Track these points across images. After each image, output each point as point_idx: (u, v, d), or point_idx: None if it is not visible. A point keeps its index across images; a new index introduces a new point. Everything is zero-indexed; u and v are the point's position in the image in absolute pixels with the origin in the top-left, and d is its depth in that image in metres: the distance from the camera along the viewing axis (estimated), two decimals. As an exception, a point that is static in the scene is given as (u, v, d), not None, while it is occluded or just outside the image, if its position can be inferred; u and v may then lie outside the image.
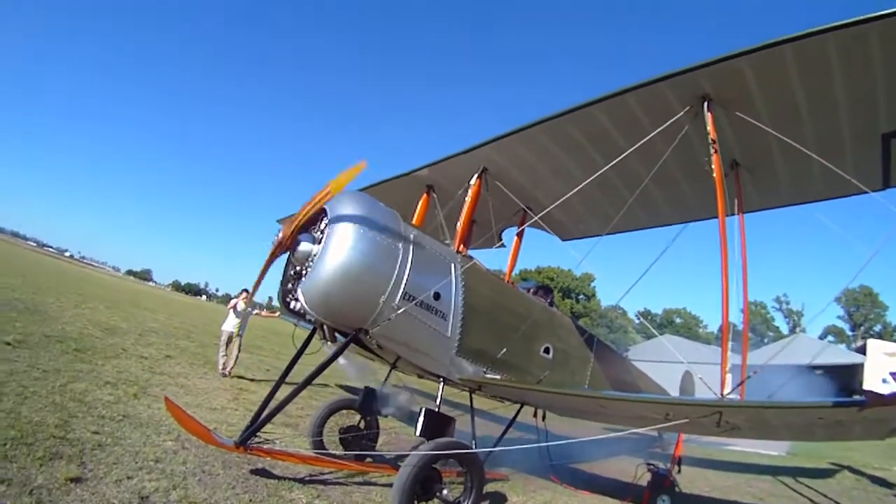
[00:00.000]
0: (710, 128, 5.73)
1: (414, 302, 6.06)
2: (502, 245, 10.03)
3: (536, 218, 7.19)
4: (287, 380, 6.94)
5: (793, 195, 7.26)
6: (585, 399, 7.19)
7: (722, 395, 5.78)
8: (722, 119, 5.91)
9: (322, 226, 5.95)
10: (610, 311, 75.80)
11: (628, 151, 6.19)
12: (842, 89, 5.49)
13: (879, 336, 77.26)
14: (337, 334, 6.33)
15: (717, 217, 5.95)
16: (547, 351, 7.96)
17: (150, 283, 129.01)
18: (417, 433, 6.26)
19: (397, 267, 5.97)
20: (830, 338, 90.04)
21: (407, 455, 5.86)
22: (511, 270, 8.72)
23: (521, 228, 9.11)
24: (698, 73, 5.60)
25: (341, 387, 14.26)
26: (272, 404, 6.47)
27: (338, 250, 5.59)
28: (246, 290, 14.30)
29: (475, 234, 8.67)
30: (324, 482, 6.51)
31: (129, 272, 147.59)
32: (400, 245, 6.08)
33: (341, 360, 7.02)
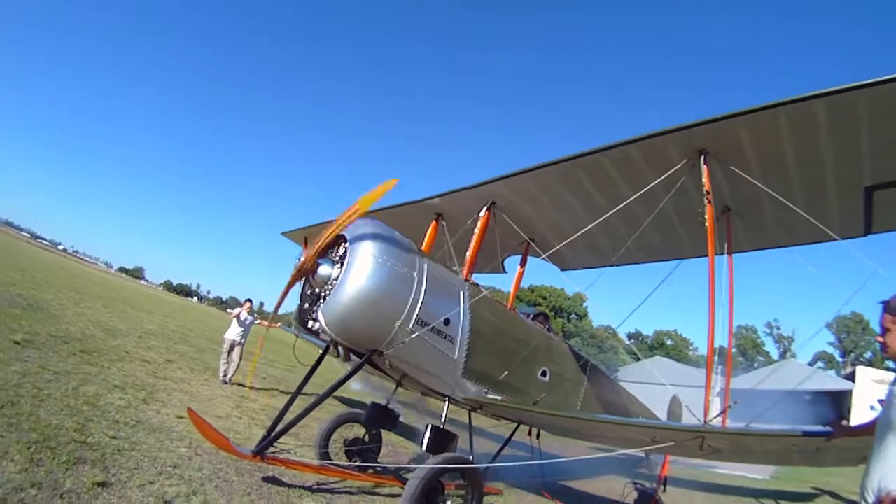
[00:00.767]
0: (705, 179, 6.23)
1: (427, 328, 6.52)
2: (505, 272, 10.59)
3: (544, 256, 7.74)
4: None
5: (779, 239, 7.75)
6: (578, 420, 7.62)
7: (705, 420, 6.22)
8: (716, 170, 6.38)
9: (341, 251, 6.38)
10: (601, 331, 76.69)
11: (631, 199, 6.69)
12: (829, 147, 5.99)
13: (870, 363, 77.68)
14: (352, 354, 6.72)
15: (707, 256, 6.42)
16: (544, 374, 8.46)
17: (143, 282, 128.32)
18: (424, 448, 6.72)
19: (412, 294, 6.44)
20: (820, 363, 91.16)
21: (412, 468, 6.36)
22: (513, 297, 9.16)
23: (524, 258, 9.63)
24: (697, 129, 6.09)
25: (338, 399, 14.61)
26: (287, 416, 6.89)
27: (358, 276, 6.03)
28: (249, 301, 14.76)
29: (480, 260, 9.05)
30: (331, 491, 6.91)
31: (122, 269, 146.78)
32: (415, 273, 6.56)
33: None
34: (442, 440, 6.74)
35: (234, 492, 5.94)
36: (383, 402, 8.39)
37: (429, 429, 6.77)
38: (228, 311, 13.91)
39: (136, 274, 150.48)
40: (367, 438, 8.39)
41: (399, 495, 6.87)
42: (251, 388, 13.23)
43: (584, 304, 75.45)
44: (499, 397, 7.56)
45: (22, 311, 12.59)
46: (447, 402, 7.28)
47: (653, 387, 14.46)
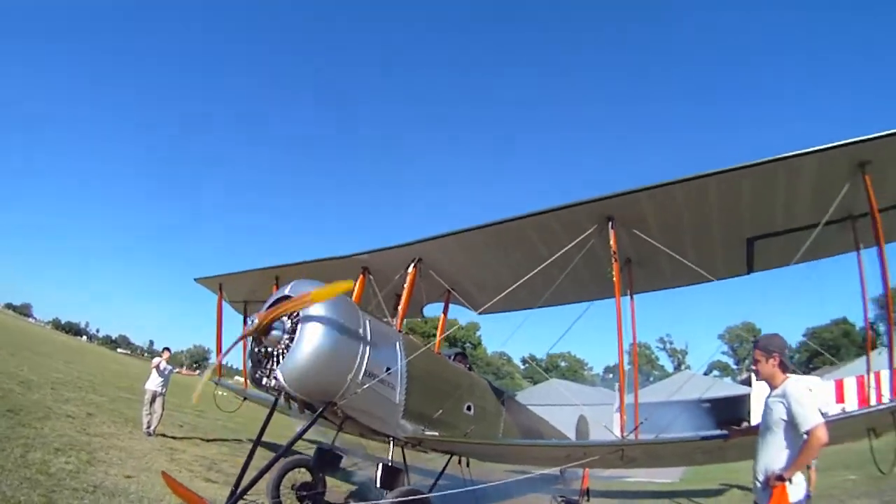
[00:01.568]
0: (612, 242, 7.37)
1: (375, 379, 7.28)
2: (423, 317, 11.54)
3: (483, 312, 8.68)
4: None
5: (672, 281, 9.16)
6: (510, 447, 8.99)
7: (622, 435, 7.31)
8: (621, 233, 7.55)
9: (290, 315, 6.92)
10: (496, 358, 79.19)
11: (549, 261, 7.76)
12: (716, 211, 7.41)
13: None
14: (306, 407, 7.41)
15: (613, 297, 7.53)
16: (469, 408, 9.29)
17: (31, 320, 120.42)
18: (378, 484, 7.38)
19: (360, 349, 7.19)
20: (716, 372, 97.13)
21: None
22: (439, 342, 10.06)
23: (445, 306, 10.63)
24: (607, 201, 7.30)
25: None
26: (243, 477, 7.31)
27: (313, 337, 6.69)
28: (167, 349, 15.02)
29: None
30: None
31: (9, 305, 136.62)
32: (360, 330, 7.29)
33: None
34: (393, 476, 7.48)
35: None
36: (326, 447, 9.08)
37: (380, 467, 7.49)
38: (153, 358, 13.77)
39: (24, 311, 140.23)
40: (314, 482, 9.01)
41: None
42: (174, 437, 13.52)
43: (478, 333, 77.35)
44: (435, 433, 8.36)
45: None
46: (392, 442, 8.03)
47: (552, 408, 15.56)
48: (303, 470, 9.06)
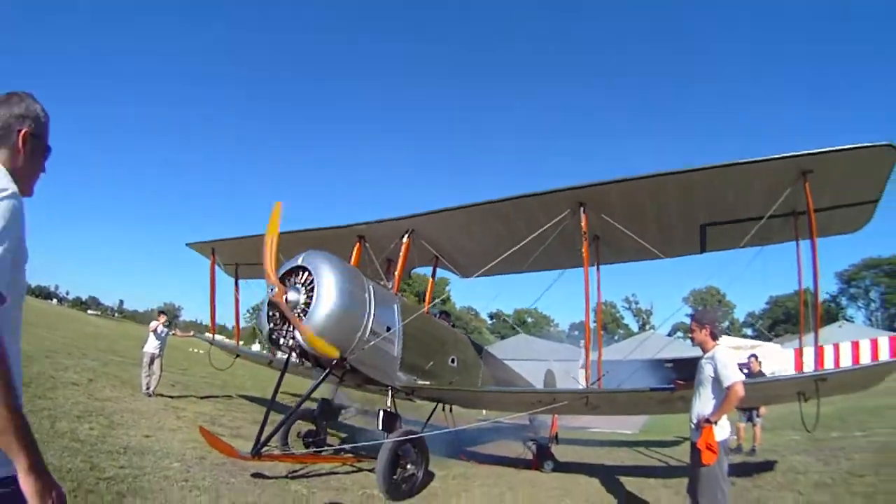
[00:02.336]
0: (583, 224, 8.78)
1: (379, 337, 8.60)
2: (410, 278, 12.86)
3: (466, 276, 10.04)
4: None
5: (635, 257, 10.64)
6: (491, 393, 10.52)
7: (588, 385, 8.96)
8: (592, 216, 8.90)
9: (303, 278, 8.23)
10: (464, 313, 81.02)
11: (530, 238, 9.13)
12: (673, 202, 8.94)
13: (727, 332, 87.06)
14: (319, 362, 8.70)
15: (582, 267, 8.97)
16: (453, 361, 10.69)
17: None
18: (380, 427, 8.66)
19: (367, 311, 8.47)
20: (679, 334, 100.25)
21: (376, 444, 8.44)
22: (428, 302, 11.36)
23: (434, 270, 11.95)
24: (580, 190, 8.77)
25: (243, 396, 16.12)
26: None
27: (328, 301, 7.93)
28: (163, 313, 15.94)
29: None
30: (306, 475, 8.52)
31: None
32: (366, 295, 8.55)
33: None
34: (392, 420, 8.81)
35: (242, 490, 7.21)
36: (329, 398, 10.36)
37: (381, 412, 8.81)
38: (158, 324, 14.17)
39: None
40: (317, 430, 10.30)
41: (357, 471, 9.12)
42: (171, 397, 14.34)
43: (447, 288, 78.39)
44: (426, 382, 9.76)
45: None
46: (389, 391, 9.38)
47: (521, 362, 17.04)
48: (307, 421, 10.30)
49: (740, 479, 9.50)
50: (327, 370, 8.68)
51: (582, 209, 8.86)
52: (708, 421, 5.89)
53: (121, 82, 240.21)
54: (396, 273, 10.40)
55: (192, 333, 21.69)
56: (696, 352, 6.29)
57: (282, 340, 8.29)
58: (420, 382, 9.70)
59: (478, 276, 11.55)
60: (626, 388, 9.46)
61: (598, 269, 10.47)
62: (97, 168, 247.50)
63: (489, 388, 11.10)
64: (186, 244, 15.43)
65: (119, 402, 11.84)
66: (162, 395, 14.25)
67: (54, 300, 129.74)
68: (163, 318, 15.30)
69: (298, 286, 8.20)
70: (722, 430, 5.95)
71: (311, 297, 8.02)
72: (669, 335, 72.46)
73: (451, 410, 11.42)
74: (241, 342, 18.23)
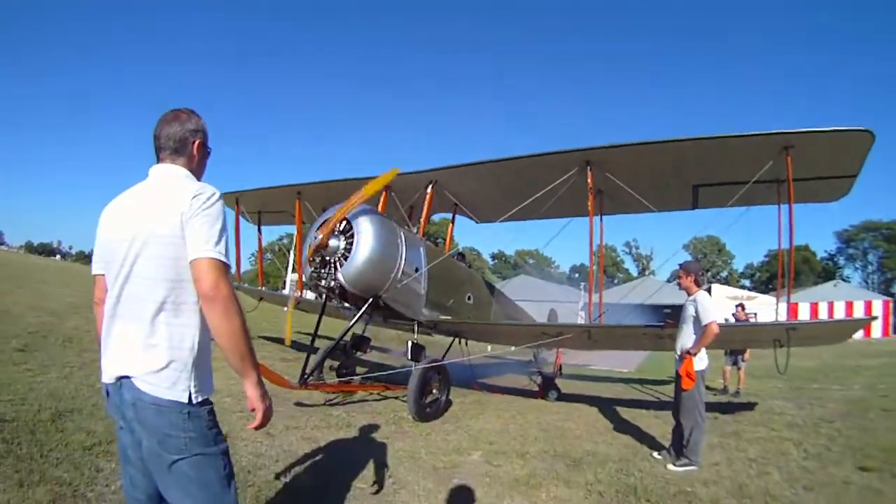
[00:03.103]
0: (589, 181, 10.08)
1: (409, 277, 9.81)
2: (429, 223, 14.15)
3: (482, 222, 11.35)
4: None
5: (634, 209, 11.81)
6: (500, 327, 11.98)
7: (590, 321, 10.55)
8: (597, 173, 10.19)
9: (342, 227, 9.28)
10: (466, 252, 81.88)
11: (542, 193, 10.38)
12: (670, 166, 10.30)
13: (726, 282, 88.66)
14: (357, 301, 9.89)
15: (586, 216, 10.51)
16: (469, 298, 11.93)
17: (3, 247, 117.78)
18: (409, 357, 9.94)
19: (399, 254, 9.61)
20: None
21: (406, 370, 9.68)
22: (449, 245, 12.61)
23: (453, 217, 13.25)
24: (589, 151, 10.06)
25: (263, 338, 17.09)
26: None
27: (366, 246, 9.04)
28: None
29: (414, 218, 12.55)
30: (342, 403, 9.42)
31: None
32: (398, 240, 9.69)
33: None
34: (419, 350, 10.07)
35: (291, 416, 7.97)
36: (360, 332, 11.50)
37: (409, 343, 10.10)
38: None
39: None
40: (348, 363, 11.53)
41: (385, 398, 10.25)
42: None
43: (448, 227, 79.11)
44: (447, 318, 10.99)
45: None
46: (416, 325, 10.58)
47: (524, 302, 18.42)
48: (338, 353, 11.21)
49: (722, 415, 10.73)
50: (364, 307, 9.77)
51: (589, 167, 10.15)
52: (688, 352, 7.39)
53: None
54: (422, 220, 11.68)
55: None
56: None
57: (323, 282, 9.36)
58: (442, 317, 10.89)
59: (491, 222, 12.94)
60: (624, 324, 11.03)
61: (601, 219, 11.79)
62: (97, 112, 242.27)
63: (503, 322, 12.44)
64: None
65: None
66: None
67: (57, 256, 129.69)
68: None
69: (338, 233, 9.24)
70: (700, 361, 7.44)
71: (350, 244, 9.10)
72: (669, 281, 73.85)
73: (466, 344, 12.55)
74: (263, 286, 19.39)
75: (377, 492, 5.60)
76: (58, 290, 19.86)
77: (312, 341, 10.54)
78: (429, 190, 11.64)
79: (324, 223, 9.28)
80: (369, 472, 6.13)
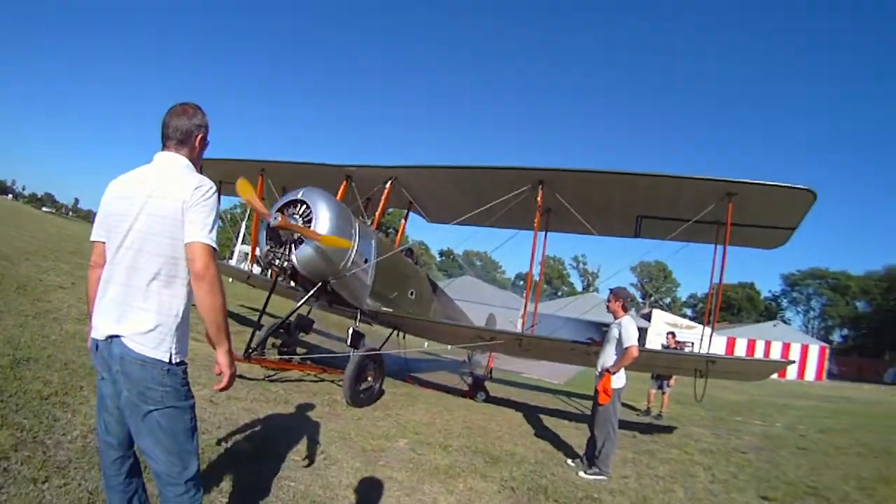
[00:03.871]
0: (539, 199, 10.67)
1: (358, 267, 10.27)
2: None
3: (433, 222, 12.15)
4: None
5: (578, 229, 12.37)
6: (438, 325, 12.33)
7: (522, 330, 11.19)
8: (548, 192, 10.80)
9: (300, 210, 9.64)
10: (416, 246, 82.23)
11: (494, 203, 11.05)
12: (617, 195, 11.07)
13: (668, 308, 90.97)
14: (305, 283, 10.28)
15: (533, 230, 11.09)
16: (412, 294, 12.43)
17: None
18: (348, 343, 10.25)
19: (352, 244, 10.01)
20: None
21: (345, 355, 10.19)
22: (399, 240, 13.21)
23: (407, 214, 13.79)
24: (542, 171, 10.72)
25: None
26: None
27: (322, 232, 9.35)
28: None
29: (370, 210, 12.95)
30: (280, 380, 9.69)
31: None
32: (352, 230, 10.09)
33: None
34: (359, 337, 10.35)
35: (233, 387, 8.41)
36: (306, 314, 11.95)
37: (350, 330, 10.40)
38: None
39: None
40: (290, 341, 11.85)
41: (321, 380, 10.67)
42: None
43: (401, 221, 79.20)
44: (389, 310, 11.42)
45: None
46: (359, 313, 11.00)
47: (467, 304, 18.91)
48: (281, 331, 11.62)
49: (641, 435, 11.36)
50: (311, 290, 10.16)
51: (541, 186, 10.77)
52: (608, 371, 8.11)
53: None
54: (377, 213, 12.24)
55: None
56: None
57: (276, 262, 9.67)
58: (384, 309, 11.31)
59: (443, 223, 13.63)
60: (554, 336, 11.65)
61: (545, 235, 12.55)
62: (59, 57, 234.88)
63: (440, 321, 12.89)
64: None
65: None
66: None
67: (10, 195, 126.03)
68: None
69: (297, 217, 9.58)
70: (618, 380, 8.16)
71: (308, 228, 9.42)
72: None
73: (404, 337, 13.08)
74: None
75: (309, 465, 6.10)
76: (9, 232, 19.71)
77: (260, 317, 11.05)
78: (387, 185, 12.12)
79: (285, 206, 9.73)
80: (303, 446, 6.62)
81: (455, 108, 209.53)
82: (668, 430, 12.60)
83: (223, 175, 15.13)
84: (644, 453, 9.64)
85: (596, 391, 8.30)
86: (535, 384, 20.22)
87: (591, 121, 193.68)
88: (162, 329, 3.16)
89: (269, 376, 9.83)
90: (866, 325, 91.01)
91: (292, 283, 10.74)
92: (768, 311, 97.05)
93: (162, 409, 3.13)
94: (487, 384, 14.12)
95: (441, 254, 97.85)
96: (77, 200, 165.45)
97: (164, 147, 3.38)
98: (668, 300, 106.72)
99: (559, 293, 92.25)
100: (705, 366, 10.21)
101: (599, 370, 8.36)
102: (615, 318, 8.37)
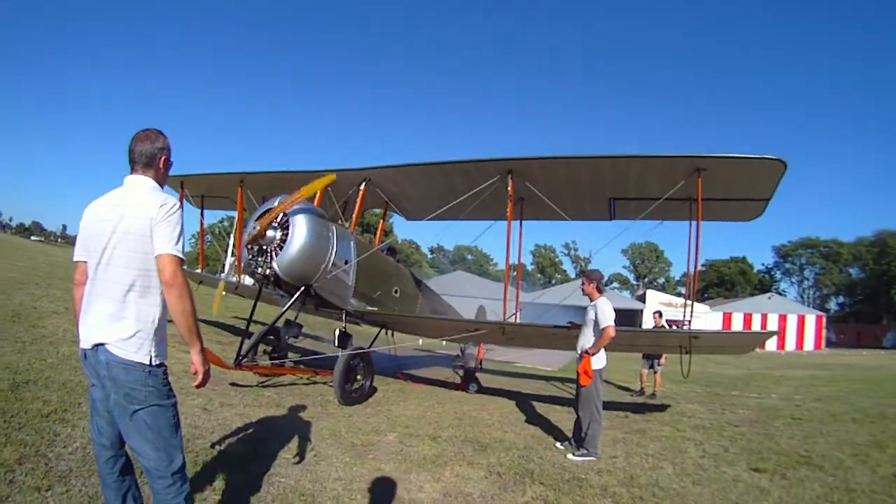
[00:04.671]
0: (510, 188, 10.94)
1: (339, 269, 10.53)
2: (363, 218, 14.94)
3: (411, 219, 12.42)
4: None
5: (553, 216, 12.67)
6: (426, 320, 12.75)
7: (505, 319, 11.38)
8: (518, 182, 11.08)
9: (279, 219, 9.84)
10: (406, 245, 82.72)
11: (466, 196, 11.25)
12: (587, 178, 11.34)
13: (662, 288, 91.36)
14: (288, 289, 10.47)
15: (506, 220, 11.32)
16: (396, 292, 12.73)
17: None
18: (336, 344, 10.64)
19: (330, 246, 10.29)
20: (616, 284, 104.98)
21: (333, 356, 10.47)
22: (378, 239, 13.46)
23: (384, 213, 14.18)
24: (510, 161, 10.95)
25: (200, 321, 17.63)
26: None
27: (300, 238, 9.66)
28: None
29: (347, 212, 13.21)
30: (273, 385, 10.05)
31: None
32: (329, 234, 10.38)
33: None
34: (346, 338, 10.70)
35: (226, 395, 8.58)
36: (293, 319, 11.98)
37: (337, 331, 10.76)
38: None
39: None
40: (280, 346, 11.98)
41: (314, 383, 10.94)
42: None
43: (390, 221, 79.45)
44: (374, 309, 11.71)
45: None
46: (344, 314, 11.27)
47: (458, 298, 19.17)
48: (271, 337, 11.74)
49: (633, 415, 11.55)
50: (298, 293, 10.39)
51: (510, 176, 11.02)
52: (587, 352, 8.35)
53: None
54: (354, 215, 12.49)
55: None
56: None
57: (258, 270, 9.97)
58: (369, 308, 11.68)
59: (420, 220, 13.91)
60: (534, 323, 12.02)
61: (520, 224, 12.76)
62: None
63: (424, 315, 13.25)
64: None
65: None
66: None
67: None
68: None
69: (275, 225, 9.85)
70: (598, 361, 8.40)
71: (285, 235, 9.76)
72: (606, 284, 75.90)
73: (392, 335, 13.35)
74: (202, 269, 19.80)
75: (299, 461, 6.42)
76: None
77: (248, 325, 11.39)
78: (362, 187, 12.42)
79: (263, 214, 9.94)
80: (294, 444, 6.94)
81: (436, 108, 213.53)
82: (661, 408, 12.79)
83: (205, 189, 15.61)
84: (635, 432, 9.78)
85: (577, 373, 8.53)
86: (529, 372, 20.56)
87: (567, 107, 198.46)
88: (141, 335, 3.53)
89: (261, 382, 10.14)
90: (861, 291, 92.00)
91: (278, 291, 10.93)
92: (762, 284, 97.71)
93: (147, 408, 3.49)
94: (479, 375, 14.47)
95: (432, 251, 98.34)
96: (65, 227, 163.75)
97: (132, 171, 3.74)
98: (661, 280, 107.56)
99: (552, 281, 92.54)
100: (688, 342, 10.43)
101: (580, 351, 8.58)
102: (591, 300, 8.59)
